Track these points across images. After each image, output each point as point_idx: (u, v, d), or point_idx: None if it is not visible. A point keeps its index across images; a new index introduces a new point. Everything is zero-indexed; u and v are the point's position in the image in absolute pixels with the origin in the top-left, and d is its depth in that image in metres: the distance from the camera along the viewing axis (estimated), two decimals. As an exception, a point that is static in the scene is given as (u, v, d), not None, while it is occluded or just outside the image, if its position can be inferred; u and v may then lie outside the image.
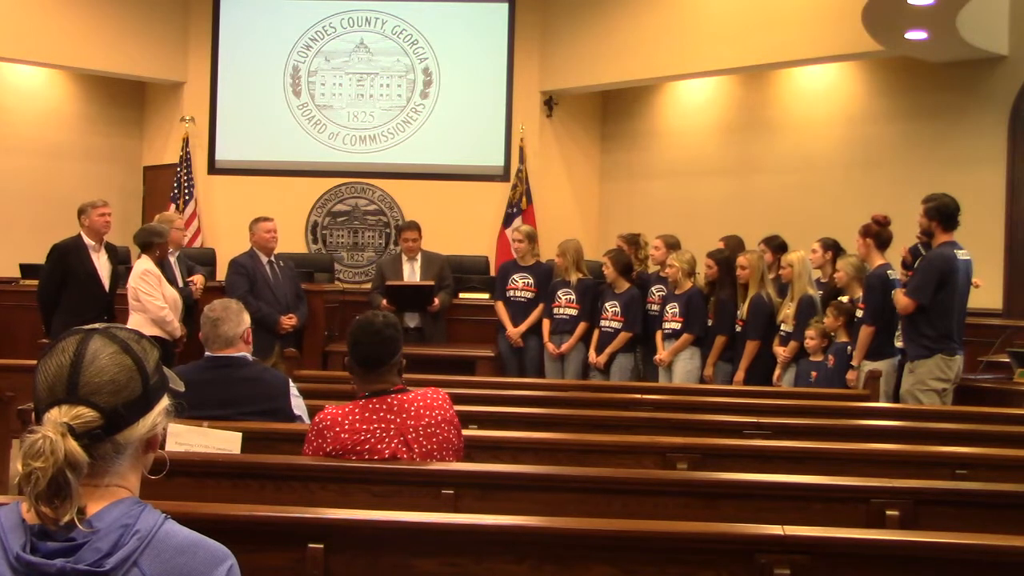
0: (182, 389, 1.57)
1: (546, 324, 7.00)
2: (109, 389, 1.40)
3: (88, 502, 1.37)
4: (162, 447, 1.52)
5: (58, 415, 1.37)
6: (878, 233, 5.76)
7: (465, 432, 3.17)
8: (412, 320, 7.08)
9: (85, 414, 1.37)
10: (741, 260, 6.33)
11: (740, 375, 6.21)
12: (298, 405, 3.67)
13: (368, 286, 8.02)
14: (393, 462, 2.90)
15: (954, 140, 7.83)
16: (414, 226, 7.46)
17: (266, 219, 6.86)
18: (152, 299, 6.11)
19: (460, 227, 9.52)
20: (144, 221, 9.40)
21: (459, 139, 10.06)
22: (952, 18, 6.79)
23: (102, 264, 6.42)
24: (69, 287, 6.31)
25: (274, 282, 6.77)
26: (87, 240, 6.37)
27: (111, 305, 6.48)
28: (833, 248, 6.40)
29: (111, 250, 6.56)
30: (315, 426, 3.00)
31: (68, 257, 6.32)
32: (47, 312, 6.38)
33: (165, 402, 1.49)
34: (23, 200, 9.58)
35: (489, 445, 3.54)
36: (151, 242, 6.23)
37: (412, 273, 7.34)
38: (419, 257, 7.38)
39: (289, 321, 6.68)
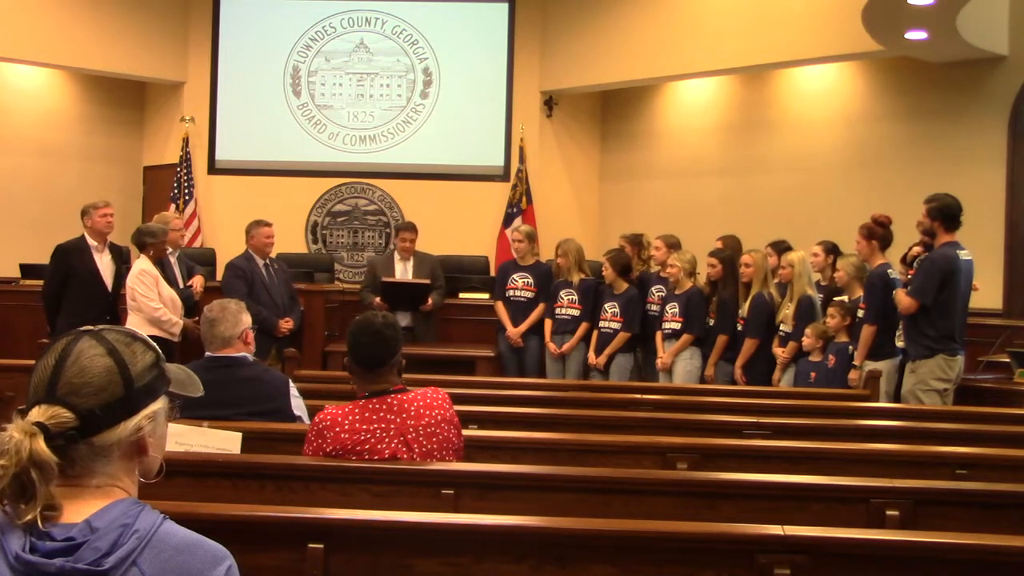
0: (200, 393, 1.55)
1: (548, 324, 7.00)
2: (87, 390, 1.39)
3: (81, 502, 1.38)
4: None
5: (37, 414, 1.37)
6: (883, 235, 5.76)
7: (465, 432, 3.16)
8: (404, 319, 7.08)
9: (61, 414, 1.37)
10: (746, 258, 6.33)
11: (737, 372, 6.21)
12: (298, 405, 3.68)
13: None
14: (393, 462, 2.90)
15: (954, 140, 7.82)
16: (412, 227, 7.55)
17: (265, 224, 6.87)
18: (147, 299, 6.13)
19: (460, 227, 9.52)
20: (144, 221, 9.37)
21: (459, 139, 10.06)
22: (952, 18, 6.79)
23: (105, 264, 6.46)
24: (72, 287, 6.36)
25: (270, 284, 6.79)
26: (90, 240, 6.43)
27: (114, 305, 6.50)
28: (833, 251, 6.40)
29: (115, 250, 6.59)
30: (315, 426, 3.00)
31: (70, 257, 6.38)
32: (51, 312, 6.44)
33: (157, 405, 1.47)
34: (23, 200, 9.58)
35: (489, 445, 3.53)
36: (144, 242, 6.29)
37: (404, 272, 7.40)
38: (412, 257, 7.44)
39: (286, 324, 6.70)
